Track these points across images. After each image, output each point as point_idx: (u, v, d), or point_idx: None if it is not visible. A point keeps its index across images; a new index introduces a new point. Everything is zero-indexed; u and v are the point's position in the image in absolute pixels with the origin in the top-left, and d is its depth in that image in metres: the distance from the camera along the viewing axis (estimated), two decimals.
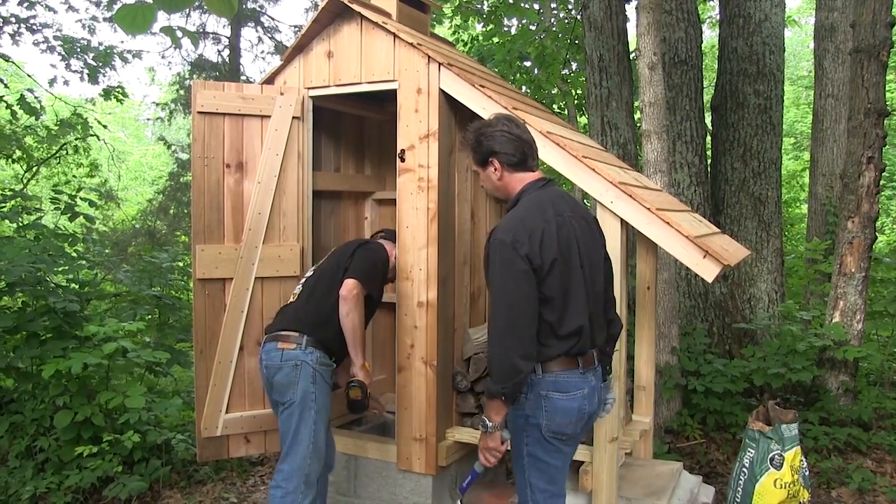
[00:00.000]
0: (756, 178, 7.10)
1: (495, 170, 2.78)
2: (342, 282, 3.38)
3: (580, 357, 2.70)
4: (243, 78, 13.95)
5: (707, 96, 8.45)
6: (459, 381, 3.90)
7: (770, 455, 3.95)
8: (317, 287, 3.50)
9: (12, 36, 8.60)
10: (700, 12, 9.36)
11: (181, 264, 7.11)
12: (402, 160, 3.79)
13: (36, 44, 9.26)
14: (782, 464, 3.93)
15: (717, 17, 9.35)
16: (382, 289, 3.71)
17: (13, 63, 9.54)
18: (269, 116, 3.98)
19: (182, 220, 13.37)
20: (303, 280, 3.63)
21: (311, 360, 3.33)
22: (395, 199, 3.95)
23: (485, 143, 2.77)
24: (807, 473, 4.07)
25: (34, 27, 8.88)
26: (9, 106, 8.46)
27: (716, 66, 7.61)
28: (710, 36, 15.04)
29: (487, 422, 2.62)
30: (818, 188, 8.73)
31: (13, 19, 8.61)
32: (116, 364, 4.95)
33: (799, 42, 23.26)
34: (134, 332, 5.26)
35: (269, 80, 4.16)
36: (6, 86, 9.37)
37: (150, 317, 6.31)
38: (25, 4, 8.82)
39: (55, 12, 17.08)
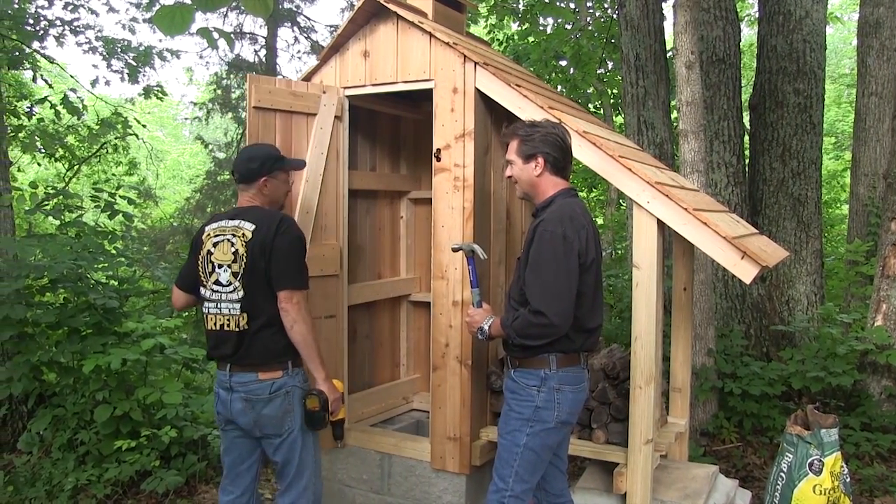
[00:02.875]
0: (795, 178, 6.99)
1: (537, 166, 2.95)
2: (275, 293, 3.01)
3: (583, 353, 3.00)
4: (279, 78, 14.05)
5: (745, 95, 8.32)
6: (494, 381, 3.89)
7: (809, 460, 3.88)
8: (255, 305, 3.03)
9: (57, 38, 8.77)
10: (739, 10, 9.23)
11: None
12: (438, 159, 3.79)
13: (79, 45, 9.43)
14: (822, 469, 3.86)
15: (756, 15, 9.21)
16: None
17: (57, 64, 9.75)
18: (315, 114, 4.00)
19: None
20: (223, 289, 3.06)
21: (299, 382, 3.13)
22: (430, 199, 3.95)
23: (538, 138, 2.94)
24: (848, 480, 3.99)
25: (77, 29, 9.04)
26: (53, 106, 8.64)
27: (754, 64, 7.50)
28: (748, 34, 14.83)
29: (486, 330, 3.05)
30: (860, 188, 8.54)
31: (58, 22, 8.78)
32: (154, 360, 5.03)
33: (841, 39, 22.78)
34: (171, 328, 5.35)
35: (306, 80, 4.19)
36: (51, 86, 9.58)
37: (186, 314, 6.41)
38: (69, 7, 8.99)
39: (97, 14, 17.40)
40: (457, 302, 3.76)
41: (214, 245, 3.10)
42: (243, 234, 3.05)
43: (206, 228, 3.18)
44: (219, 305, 3.08)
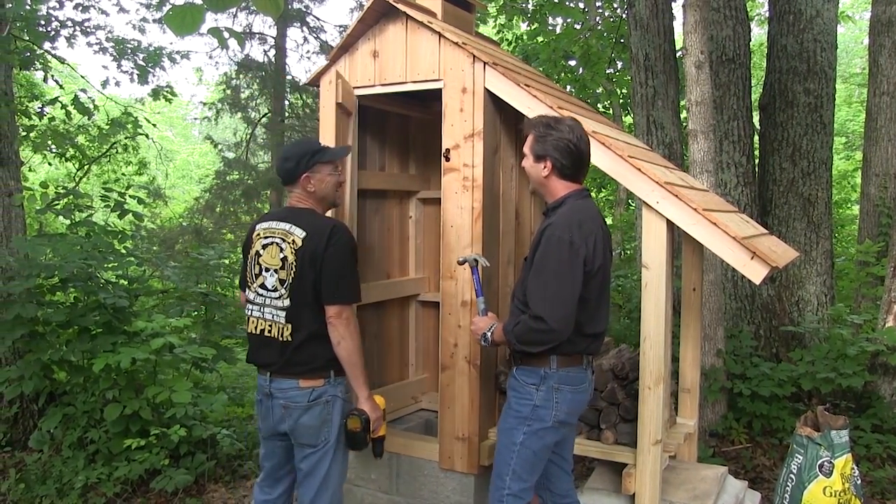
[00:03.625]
0: (805, 178, 6.96)
1: (545, 168, 2.94)
2: (322, 303, 2.96)
3: (586, 356, 2.99)
4: (288, 78, 14.10)
5: (755, 95, 8.29)
6: (502, 381, 3.89)
7: (819, 462, 3.87)
8: (301, 317, 2.98)
9: (68, 39, 8.81)
10: (749, 9, 9.20)
11: (227, 262, 7.22)
12: (447, 159, 3.79)
13: (89, 45, 9.47)
14: (832, 471, 3.84)
15: (766, 14, 9.18)
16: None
17: (68, 65, 9.80)
18: (352, 113, 4.03)
19: (228, 217, 13.59)
20: (268, 294, 3.02)
21: (341, 392, 3.06)
22: (439, 199, 3.95)
23: (550, 142, 2.91)
24: (858, 482, 3.97)
25: (88, 30, 9.08)
26: (63, 106, 8.69)
27: (764, 64, 7.46)
28: (758, 33, 14.78)
29: (489, 336, 3.04)
30: (871, 188, 8.49)
31: (69, 23, 8.82)
32: (163, 359, 5.05)
33: (852, 38, 22.68)
34: (181, 328, 5.36)
35: (315, 80, 4.19)
36: (61, 87, 9.63)
37: (196, 313, 6.43)
38: (80, 8, 9.03)
39: (107, 15, 17.45)
40: (466, 302, 3.76)
41: (263, 247, 3.05)
42: (293, 241, 2.98)
43: (257, 227, 3.13)
44: (262, 310, 3.04)
